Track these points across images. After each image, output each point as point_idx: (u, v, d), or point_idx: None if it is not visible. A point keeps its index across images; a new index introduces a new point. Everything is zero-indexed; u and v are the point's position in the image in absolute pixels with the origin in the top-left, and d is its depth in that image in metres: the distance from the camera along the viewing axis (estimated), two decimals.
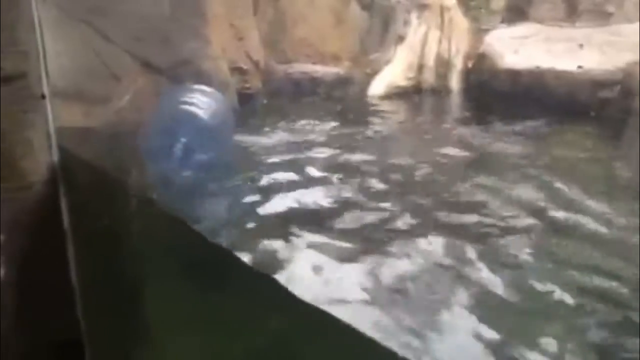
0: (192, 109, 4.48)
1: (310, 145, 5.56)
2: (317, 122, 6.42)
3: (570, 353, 2.45)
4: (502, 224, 3.78)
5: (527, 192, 4.30)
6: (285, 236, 3.54)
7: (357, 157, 5.26)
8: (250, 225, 3.79)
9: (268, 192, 4.30)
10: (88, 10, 4.55)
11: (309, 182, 4.53)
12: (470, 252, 3.33)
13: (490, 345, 2.50)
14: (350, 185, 4.47)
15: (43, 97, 1.47)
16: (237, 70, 6.69)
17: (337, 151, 5.39)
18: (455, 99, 7.89)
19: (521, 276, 3.08)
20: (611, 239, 3.55)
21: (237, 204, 4.17)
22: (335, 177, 4.64)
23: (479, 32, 8.13)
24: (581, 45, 7.00)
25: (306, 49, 8.07)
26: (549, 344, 2.49)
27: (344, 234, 3.60)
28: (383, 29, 8.38)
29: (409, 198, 4.27)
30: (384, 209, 4.00)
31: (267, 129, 6.06)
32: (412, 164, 5.06)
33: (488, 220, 3.83)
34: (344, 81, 7.92)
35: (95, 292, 1.59)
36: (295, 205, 4.08)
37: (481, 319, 2.66)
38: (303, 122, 6.38)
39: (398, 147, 5.85)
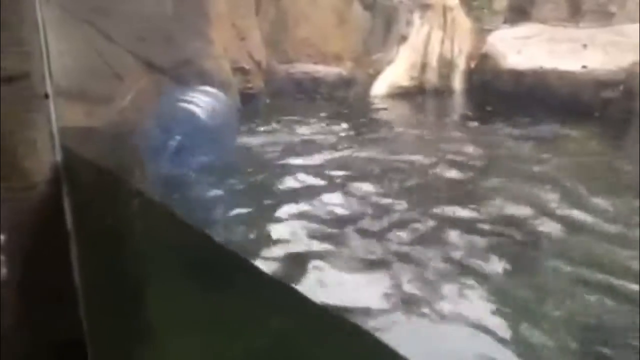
0: (191, 107, 4.48)
1: (311, 145, 5.55)
2: (318, 122, 6.42)
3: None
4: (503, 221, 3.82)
5: (532, 191, 4.31)
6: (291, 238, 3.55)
7: (363, 155, 5.27)
8: (251, 225, 3.79)
9: (271, 193, 4.30)
10: (91, 10, 4.54)
11: (310, 183, 4.53)
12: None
13: None
14: (357, 186, 4.47)
15: (46, 97, 1.46)
16: (239, 70, 6.69)
17: (338, 151, 5.39)
18: (458, 99, 7.88)
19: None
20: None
21: (238, 204, 4.17)
22: (339, 178, 4.64)
23: (481, 33, 8.11)
24: (585, 46, 6.98)
25: (308, 49, 8.07)
26: None
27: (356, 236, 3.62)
28: (385, 29, 8.36)
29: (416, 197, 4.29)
30: (394, 209, 4.02)
31: (269, 129, 6.06)
32: (416, 163, 5.06)
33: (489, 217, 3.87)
34: (346, 81, 7.92)
35: (98, 292, 1.58)
36: (299, 206, 4.08)
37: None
38: (305, 122, 6.38)
39: (399, 148, 5.84)
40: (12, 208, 1.46)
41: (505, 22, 8.33)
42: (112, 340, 1.57)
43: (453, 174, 4.85)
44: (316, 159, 5.12)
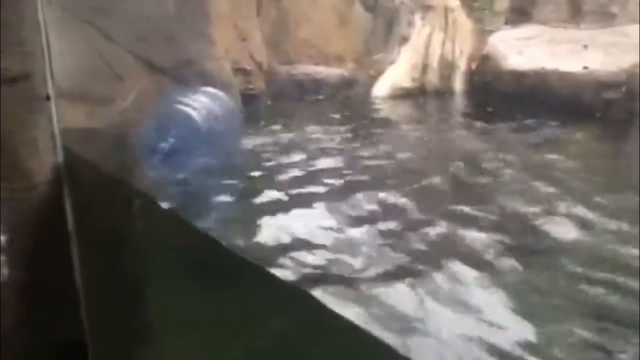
0: (187, 110, 4.48)
1: (312, 145, 5.55)
2: (319, 123, 6.41)
3: None
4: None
5: (534, 190, 4.33)
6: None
7: (365, 154, 5.27)
8: (251, 224, 3.79)
9: (271, 193, 4.30)
10: (91, 10, 4.54)
11: (312, 182, 4.53)
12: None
13: None
14: (357, 186, 4.47)
15: (48, 98, 1.47)
16: (240, 71, 6.68)
17: (339, 152, 5.39)
18: (459, 100, 7.87)
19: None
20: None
21: (239, 204, 4.17)
22: (339, 179, 4.64)
23: (482, 34, 8.11)
24: (586, 46, 6.97)
25: (309, 50, 8.06)
26: None
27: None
28: (387, 30, 8.37)
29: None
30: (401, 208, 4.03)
31: (270, 129, 6.06)
32: (416, 163, 5.06)
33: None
34: (347, 82, 7.91)
35: (99, 292, 1.58)
36: (301, 206, 4.08)
37: None
38: (306, 123, 6.38)
39: (400, 148, 5.84)
40: (13, 208, 1.46)
41: (506, 23, 8.32)
42: (113, 341, 1.57)
43: (453, 174, 4.85)
44: (316, 160, 5.12)
